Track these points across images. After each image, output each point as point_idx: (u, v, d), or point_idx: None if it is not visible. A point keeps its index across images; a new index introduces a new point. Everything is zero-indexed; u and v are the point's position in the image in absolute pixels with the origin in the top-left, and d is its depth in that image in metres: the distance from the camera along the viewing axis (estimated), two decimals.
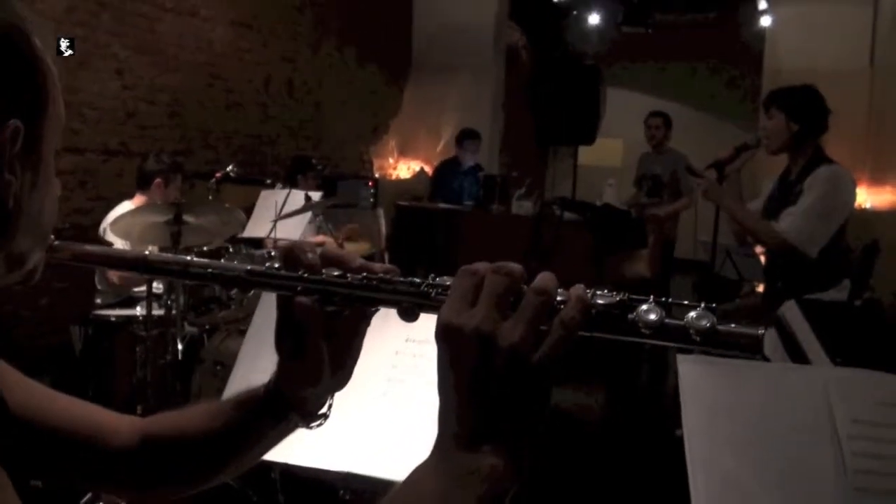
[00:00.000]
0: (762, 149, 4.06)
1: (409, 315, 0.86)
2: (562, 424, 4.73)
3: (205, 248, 4.78)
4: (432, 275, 0.86)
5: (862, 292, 4.07)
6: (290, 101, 8.36)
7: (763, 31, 9.31)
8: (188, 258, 0.97)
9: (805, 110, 3.94)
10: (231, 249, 4.87)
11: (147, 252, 0.97)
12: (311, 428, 1.04)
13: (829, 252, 3.88)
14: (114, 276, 4.73)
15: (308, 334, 0.94)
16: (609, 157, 12.32)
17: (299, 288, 0.91)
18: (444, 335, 0.76)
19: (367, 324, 0.99)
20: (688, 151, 7.43)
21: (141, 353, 4.36)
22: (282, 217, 5.35)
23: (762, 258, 4.48)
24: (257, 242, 5.51)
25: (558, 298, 0.76)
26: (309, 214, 5.65)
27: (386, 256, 8.30)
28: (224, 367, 4.26)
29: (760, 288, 4.67)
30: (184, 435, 1.09)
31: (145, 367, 4.34)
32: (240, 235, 5.18)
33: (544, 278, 0.77)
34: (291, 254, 0.93)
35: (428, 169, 10.26)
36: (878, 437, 1.36)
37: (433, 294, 0.84)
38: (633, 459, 4.55)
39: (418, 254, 7.75)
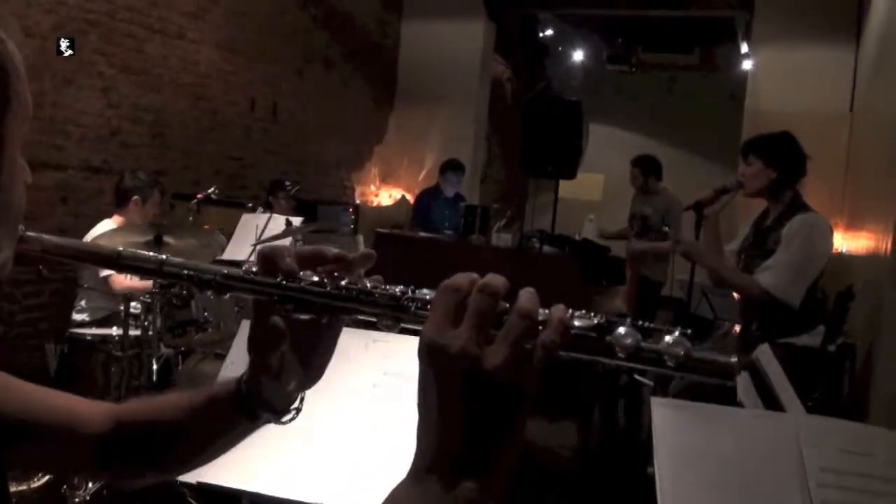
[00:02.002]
0: (741, 192, 4.10)
1: (388, 326, 0.86)
2: (535, 461, 4.73)
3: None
4: (412, 286, 0.86)
5: (836, 337, 4.11)
6: (274, 124, 8.37)
7: (745, 73, 9.41)
8: (163, 257, 0.95)
9: (783, 157, 3.99)
10: None
11: (121, 248, 0.96)
12: (282, 423, 1.03)
13: (806, 298, 3.91)
14: (118, 284, 4.72)
15: (282, 338, 0.95)
16: (590, 192, 12.41)
17: (276, 295, 0.90)
18: (428, 354, 0.75)
19: (341, 328, 1.00)
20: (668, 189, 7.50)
21: (116, 374, 4.34)
22: (261, 242, 5.35)
23: (738, 299, 4.51)
24: (236, 266, 5.48)
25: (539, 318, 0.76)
26: (289, 239, 5.65)
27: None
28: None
29: (736, 329, 4.70)
30: (156, 423, 1.10)
31: (119, 387, 4.31)
32: (219, 258, 5.17)
33: (528, 299, 0.76)
34: (269, 258, 0.92)
35: (409, 197, 10.28)
36: (843, 486, 1.37)
37: (413, 308, 0.84)
38: (605, 497, 4.55)
39: (397, 282, 7.73)
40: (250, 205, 6.38)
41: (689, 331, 0.75)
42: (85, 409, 1.10)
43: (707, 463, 1.41)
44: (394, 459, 1.51)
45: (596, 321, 0.76)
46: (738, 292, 4.21)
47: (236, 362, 1.74)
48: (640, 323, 0.76)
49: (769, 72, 8.59)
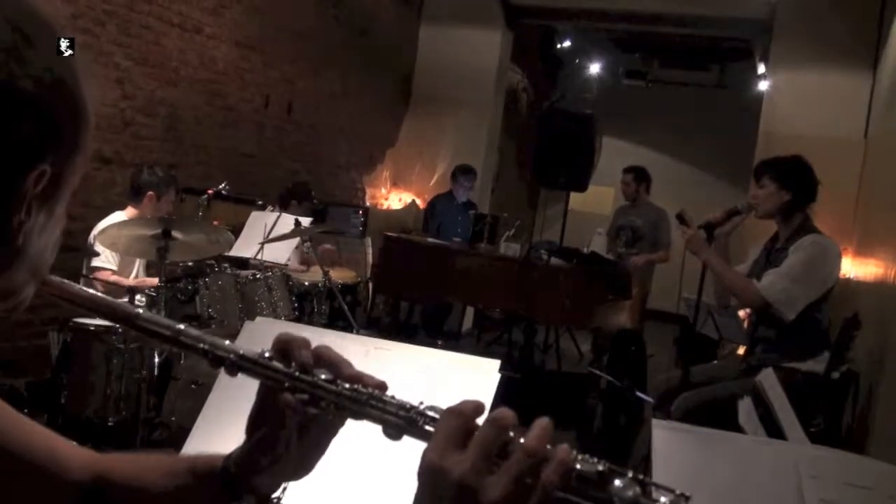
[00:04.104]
0: (752, 214, 4.11)
1: (392, 435, 0.85)
2: None
3: (189, 263, 4.78)
4: (421, 401, 0.85)
5: (840, 365, 4.10)
6: (288, 123, 8.38)
7: (760, 93, 9.39)
8: (181, 326, 0.94)
9: (796, 180, 4.00)
10: (216, 268, 4.86)
11: (140, 311, 0.96)
12: None
13: (812, 323, 3.91)
14: (99, 285, 4.70)
15: (282, 428, 0.94)
16: (600, 205, 12.39)
17: (287, 384, 0.90)
18: (428, 475, 0.75)
19: (340, 428, 0.98)
20: (678, 206, 7.45)
21: (117, 366, 4.33)
22: (270, 240, 5.35)
23: (745, 322, 4.50)
24: (243, 262, 5.50)
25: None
26: (297, 239, 5.65)
27: (370, 285, 8.29)
28: (199, 385, 4.24)
29: (740, 350, 4.69)
30: (135, 485, 1.07)
31: (120, 379, 4.31)
32: (226, 254, 5.17)
33: (537, 435, 0.75)
34: (285, 347, 0.92)
35: (420, 202, 10.29)
36: None
37: (420, 422, 0.83)
38: None
39: (403, 286, 7.74)
40: (260, 202, 6.38)
41: (690, 495, 0.73)
42: (66, 453, 1.07)
43: (705, 488, 1.40)
44: (390, 469, 1.50)
45: (599, 468, 0.75)
46: (734, 294, 4.22)
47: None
48: (641, 477, 0.75)
49: (785, 94, 8.57)
